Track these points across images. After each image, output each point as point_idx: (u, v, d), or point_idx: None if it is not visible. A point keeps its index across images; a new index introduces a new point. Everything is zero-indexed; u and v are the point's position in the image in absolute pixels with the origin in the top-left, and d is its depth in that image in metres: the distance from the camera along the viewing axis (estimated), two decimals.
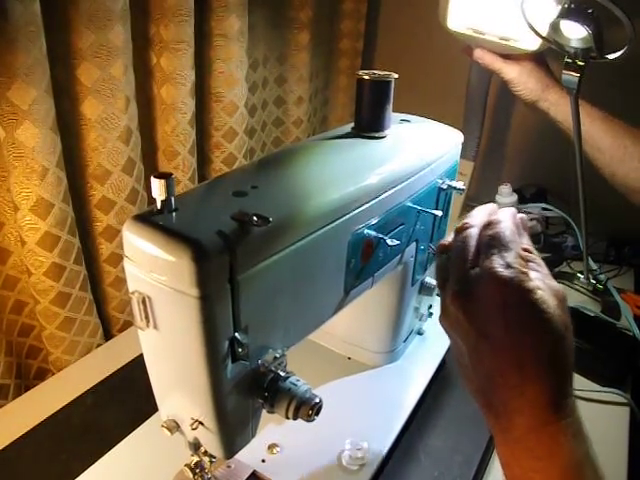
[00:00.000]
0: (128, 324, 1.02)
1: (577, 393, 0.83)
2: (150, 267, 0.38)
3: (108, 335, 1.00)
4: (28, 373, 0.93)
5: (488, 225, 0.47)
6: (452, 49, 1.14)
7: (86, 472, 0.62)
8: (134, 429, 0.71)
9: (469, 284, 0.43)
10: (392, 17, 1.44)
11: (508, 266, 0.42)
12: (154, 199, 0.39)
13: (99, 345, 0.95)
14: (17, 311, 0.89)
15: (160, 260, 0.37)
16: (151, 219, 0.38)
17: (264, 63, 1.20)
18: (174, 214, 0.39)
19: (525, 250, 0.45)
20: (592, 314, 1.03)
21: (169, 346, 0.42)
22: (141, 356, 0.86)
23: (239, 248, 0.37)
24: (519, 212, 1.32)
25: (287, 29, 1.18)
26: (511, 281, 0.41)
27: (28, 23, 0.69)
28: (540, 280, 0.42)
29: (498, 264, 0.42)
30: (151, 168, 1.04)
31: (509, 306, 0.41)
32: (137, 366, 0.86)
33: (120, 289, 0.99)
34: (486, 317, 0.42)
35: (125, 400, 0.78)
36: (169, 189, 0.38)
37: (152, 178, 0.37)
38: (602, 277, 1.16)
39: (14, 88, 0.71)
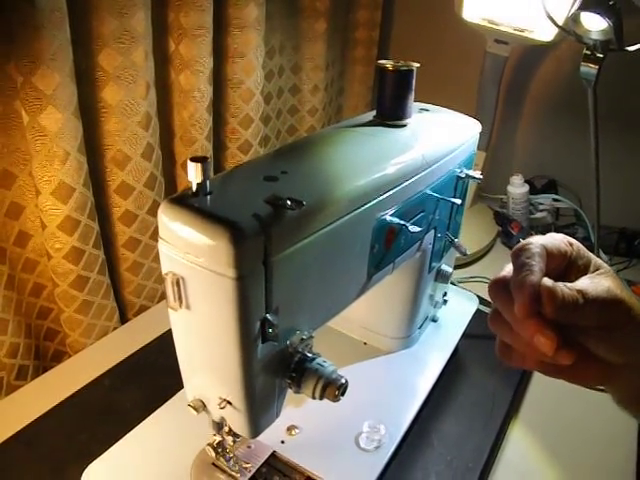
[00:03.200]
0: (144, 308, 1.04)
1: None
2: (186, 248, 0.39)
3: (124, 319, 1.02)
4: (46, 355, 0.95)
5: None
6: (467, 39, 1.14)
7: (107, 452, 0.63)
8: (152, 411, 0.72)
9: None
10: (407, 7, 1.44)
11: None
12: (190, 182, 0.40)
13: (115, 329, 0.97)
14: (36, 294, 0.90)
15: (197, 242, 0.38)
16: (187, 202, 0.39)
17: (280, 51, 1.20)
18: (208, 197, 0.40)
19: None
20: None
21: (202, 326, 0.43)
22: (157, 339, 0.89)
23: (274, 230, 0.38)
24: (530, 204, 1.33)
25: (303, 18, 1.18)
26: None
27: (54, 9, 0.70)
28: None
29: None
30: (169, 154, 1.05)
31: None
32: (153, 349, 0.88)
33: (137, 274, 1.00)
34: None
35: (142, 382, 0.80)
36: (205, 173, 0.39)
37: (189, 161, 0.38)
38: (613, 269, 1.16)
39: (39, 74, 0.72)
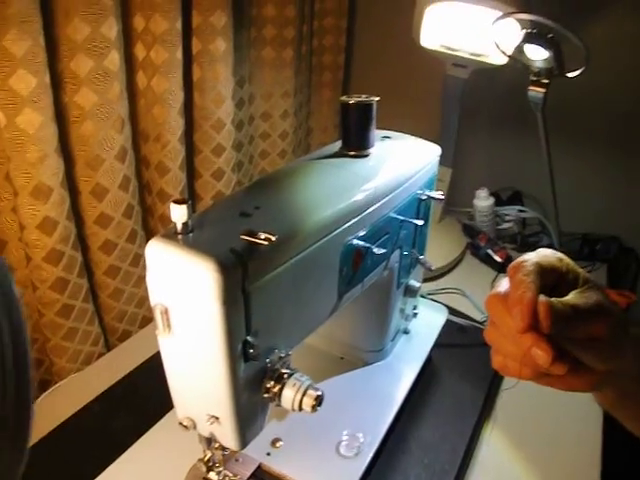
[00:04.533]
0: (126, 332, 1.07)
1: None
2: (174, 281, 0.43)
3: (108, 344, 1.05)
4: None
5: None
6: (428, 62, 1.20)
7: (103, 473, 0.67)
8: (143, 433, 0.76)
9: None
10: (369, 33, 1.50)
11: None
12: (174, 221, 0.44)
13: (101, 353, 1.00)
14: None
15: (184, 275, 0.42)
16: (174, 239, 0.43)
17: (250, 80, 1.25)
18: (191, 235, 0.44)
19: None
20: None
21: (189, 350, 0.47)
22: (143, 364, 0.92)
23: (250, 263, 0.43)
24: (497, 215, 1.39)
25: (272, 47, 1.24)
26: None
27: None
28: None
29: None
30: (145, 184, 1.09)
31: None
32: (140, 374, 0.91)
33: (119, 300, 1.04)
34: None
35: (132, 406, 0.83)
36: (188, 213, 0.43)
37: (172, 204, 0.43)
38: None
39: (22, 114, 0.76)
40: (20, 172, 0.80)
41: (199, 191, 1.18)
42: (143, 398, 0.84)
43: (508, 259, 1.29)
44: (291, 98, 1.31)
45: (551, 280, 0.46)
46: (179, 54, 0.99)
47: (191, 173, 1.16)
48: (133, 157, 1.00)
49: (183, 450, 0.62)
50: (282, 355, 0.51)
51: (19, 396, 0.32)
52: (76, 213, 0.93)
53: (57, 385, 0.91)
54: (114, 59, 0.87)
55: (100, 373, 0.93)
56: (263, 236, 0.43)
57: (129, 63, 0.96)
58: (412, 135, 0.79)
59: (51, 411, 0.83)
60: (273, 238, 0.43)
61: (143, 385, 0.87)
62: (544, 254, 0.48)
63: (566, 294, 0.46)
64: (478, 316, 1.09)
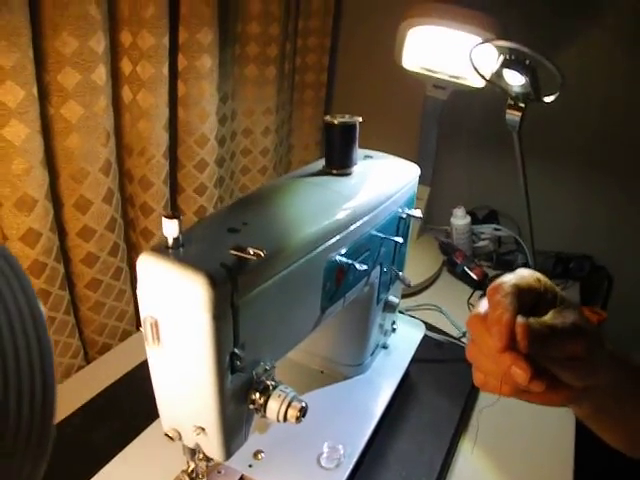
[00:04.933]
0: (106, 346, 1.07)
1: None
2: (165, 294, 0.45)
3: (87, 357, 1.05)
4: None
5: None
6: (408, 83, 1.23)
7: None
8: (124, 446, 0.76)
9: None
10: (351, 53, 1.54)
11: None
12: (165, 236, 0.45)
13: (80, 366, 1.00)
14: None
15: (175, 288, 0.44)
16: (164, 254, 0.45)
17: (233, 96, 1.27)
18: (181, 249, 0.46)
19: None
20: None
21: (178, 361, 0.48)
22: (124, 377, 0.92)
23: (239, 277, 0.45)
24: (473, 233, 1.41)
25: (255, 65, 1.26)
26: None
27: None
28: None
29: None
30: (128, 198, 1.09)
31: None
32: (120, 387, 0.92)
33: (99, 313, 1.04)
34: None
35: (113, 419, 0.83)
36: (179, 228, 0.45)
37: (164, 219, 0.44)
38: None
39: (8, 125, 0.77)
40: (5, 183, 0.80)
41: (182, 206, 1.19)
42: (123, 411, 0.84)
43: (484, 276, 1.31)
44: (273, 115, 1.33)
45: (529, 300, 0.48)
46: (165, 70, 1.00)
47: (174, 187, 1.17)
48: (117, 171, 1.01)
49: (165, 463, 0.63)
50: (267, 367, 0.52)
51: (45, 396, 0.33)
52: (59, 225, 0.93)
53: None
54: (101, 73, 0.88)
55: (80, 386, 0.93)
56: (252, 251, 0.45)
57: (115, 77, 0.98)
58: (392, 153, 0.82)
59: None
60: (262, 253, 0.45)
61: (123, 398, 0.88)
62: (522, 275, 0.49)
63: (545, 313, 0.47)
64: (454, 332, 1.11)
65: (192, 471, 0.59)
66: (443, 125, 1.34)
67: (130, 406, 0.83)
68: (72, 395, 0.89)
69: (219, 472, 0.65)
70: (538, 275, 0.50)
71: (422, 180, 1.37)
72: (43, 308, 0.35)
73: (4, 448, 0.32)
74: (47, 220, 0.86)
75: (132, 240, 1.14)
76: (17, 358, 0.32)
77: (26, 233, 0.84)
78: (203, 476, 0.60)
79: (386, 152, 0.82)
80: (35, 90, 0.80)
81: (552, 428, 0.89)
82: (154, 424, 0.75)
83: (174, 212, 0.45)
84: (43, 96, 0.84)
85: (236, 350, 0.47)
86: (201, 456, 0.56)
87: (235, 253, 0.45)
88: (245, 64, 1.25)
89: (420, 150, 1.37)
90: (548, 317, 0.47)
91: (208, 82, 1.09)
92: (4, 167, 0.79)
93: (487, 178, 1.51)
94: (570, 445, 0.87)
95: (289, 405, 0.51)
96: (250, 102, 1.30)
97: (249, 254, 0.45)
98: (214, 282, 0.42)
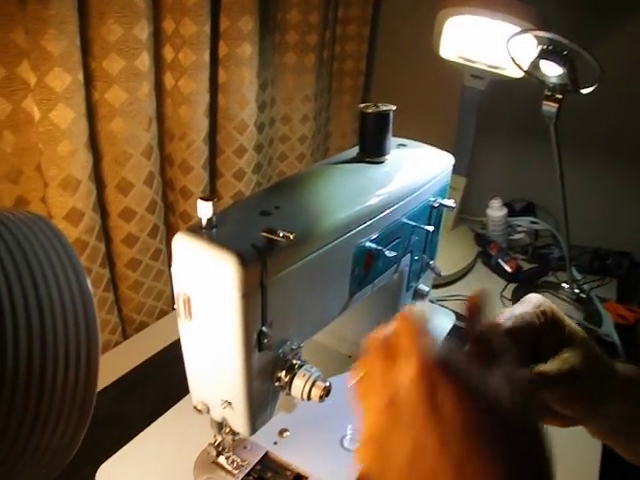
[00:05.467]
0: (143, 324, 1.11)
1: None
2: (197, 272, 0.47)
3: (125, 334, 1.09)
4: None
5: None
6: (446, 72, 1.23)
7: (119, 452, 0.71)
8: (155, 419, 0.79)
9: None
10: (390, 42, 1.54)
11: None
12: (199, 217, 0.47)
13: (118, 342, 1.04)
14: None
15: (207, 267, 0.46)
16: (199, 233, 0.47)
17: (272, 84, 1.29)
18: (215, 230, 0.48)
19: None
20: (574, 321, 1.11)
21: (208, 337, 0.50)
22: (158, 354, 0.96)
23: (268, 258, 0.46)
24: (509, 226, 1.39)
25: (294, 52, 1.27)
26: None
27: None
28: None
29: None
30: (168, 181, 1.13)
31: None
32: (155, 363, 0.95)
33: (138, 292, 1.07)
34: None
35: (145, 393, 0.87)
36: (213, 210, 0.47)
37: (199, 200, 0.46)
38: (586, 287, 1.24)
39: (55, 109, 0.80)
40: (51, 164, 0.83)
41: (220, 190, 1.22)
42: (156, 386, 0.87)
43: (518, 269, 1.31)
44: (311, 102, 1.35)
45: (527, 340, 0.45)
46: (206, 57, 1.03)
47: (213, 172, 1.19)
48: (158, 154, 1.04)
49: (195, 435, 0.65)
50: (294, 347, 0.54)
51: (89, 357, 0.36)
52: (102, 206, 0.96)
53: None
54: (144, 60, 0.91)
55: (116, 360, 0.97)
56: (282, 234, 0.47)
57: (158, 64, 1.00)
58: (429, 143, 0.82)
59: None
60: (291, 236, 0.47)
61: (157, 374, 0.91)
62: (525, 308, 0.46)
63: (552, 347, 0.46)
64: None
65: (219, 444, 0.61)
66: (481, 116, 1.33)
67: (163, 382, 0.86)
68: (109, 369, 0.92)
69: (245, 447, 0.67)
70: (547, 307, 0.47)
71: (459, 171, 1.37)
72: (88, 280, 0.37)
73: (52, 406, 0.35)
74: (90, 200, 0.90)
75: (171, 222, 1.17)
76: (65, 321, 0.35)
77: (70, 212, 0.87)
78: (229, 450, 0.62)
79: (423, 142, 0.82)
80: (81, 76, 0.83)
81: (580, 436, 0.88)
82: (184, 400, 0.78)
83: (209, 195, 0.47)
84: (88, 81, 0.87)
85: (264, 328, 0.49)
86: (228, 430, 0.59)
87: (266, 235, 0.47)
88: (285, 52, 1.27)
89: (457, 140, 1.36)
90: (549, 363, 0.45)
91: (248, 69, 1.11)
92: (50, 149, 0.83)
93: (525, 170, 1.49)
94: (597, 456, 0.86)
95: (313, 384, 0.53)
96: (289, 89, 1.32)
97: (279, 236, 0.47)
98: (244, 262, 0.44)
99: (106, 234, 1.00)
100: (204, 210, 0.46)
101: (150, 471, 0.67)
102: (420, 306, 0.48)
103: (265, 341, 0.49)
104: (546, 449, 0.36)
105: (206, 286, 0.47)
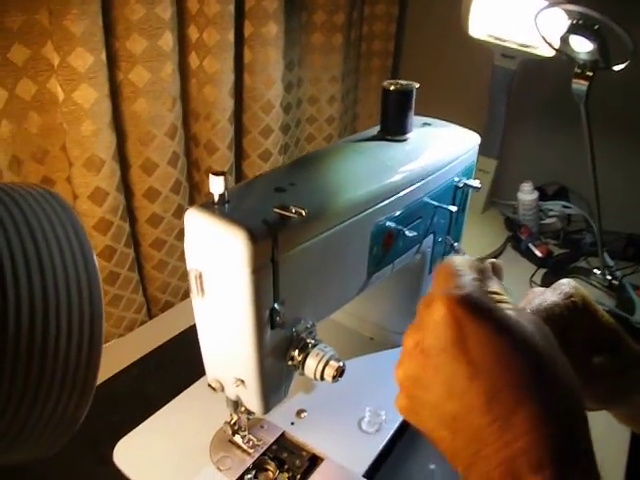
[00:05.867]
0: (168, 303, 1.11)
1: None
2: (208, 247, 0.47)
3: (150, 313, 1.10)
4: None
5: None
6: (476, 52, 1.20)
7: (135, 429, 0.71)
8: (175, 397, 0.80)
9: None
10: (419, 21, 1.51)
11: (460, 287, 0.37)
12: (211, 193, 0.47)
13: (143, 321, 1.05)
14: None
15: (218, 242, 0.45)
16: (210, 209, 0.46)
17: (300, 64, 1.27)
18: (227, 205, 0.47)
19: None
20: (606, 308, 1.08)
21: (220, 314, 0.50)
22: (181, 334, 0.96)
23: (280, 234, 0.46)
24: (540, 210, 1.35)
25: (321, 32, 1.25)
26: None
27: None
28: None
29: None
30: (193, 162, 1.13)
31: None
32: (177, 343, 0.96)
33: (163, 271, 1.08)
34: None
35: (167, 372, 0.87)
36: (225, 185, 0.46)
37: (211, 175, 0.46)
38: (618, 273, 1.21)
39: (79, 89, 0.80)
40: (75, 144, 0.84)
41: (246, 171, 1.21)
42: (178, 365, 0.88)
43: (549, 254, 1.28)
44: (339, 83, 1.33)
45: (555, 329, 0.41)
46: (231, 36, 1.02)
47: (239, 153, 1.19)
48: (183, 135, 1.03)
49: (212, 413, 0.65)
50: (308, 326, 0.53)
51: (92, 329, 0.36)
52: (126, 186, 0.97)
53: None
54: (168, 39, 0.91)
55: (141, 339, 0.98)
56: (294, 210, 0.46)
57: (182, 44, 1.00)
58: (459, 124, 0.80)
59: None
60: (303, 212, 0.46)
61: (179, 353, 0.91)
62: (553, 303, 0.45)
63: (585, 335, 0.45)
64: None
65: (234, 423, 0.61)
66: (513, 97, 1.30)
67: (184, 360, 0.86)
68: (133, 347, 0.93)
69: (262, 427, 0.67)
70: (578, 297, 0.45)
71: (490, 153, 1.34)
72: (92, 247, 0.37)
73: (54, 378, 0.35)
74: (114, 180, 0.90)
75: (196, 203, 1.17)
76: (68, 290, 0.35)
77: (94, 192, 0.88)
78: (245, 429, 0.62)
79: (453, 123, 0.80)
80: (104, 56, 0.83)
81: (609, 424, 0.85)
82: (203, 378, 0.78)
83: (221, 170, 0.46)
84: (113, 62, 0.88)
85: (276, 306, 0.48)
86: (243, 409, 0.58)
87: (278, 211, 0.46)
88: (312, 31, 1.25)
89: (488, 122, 1.33)
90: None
91: (274, 49, 1.10)
92: (74, 129, 0.83)
93: (558, 153, 1.45)
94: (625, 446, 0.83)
95: (326, 364, 0.52)
96: (316, 70, 1.30)
97: (291, 212, 0.46)
98: (254, 237, 0.44)
99: (131, 214, 1.00)
100: (216, 185, 0.46)
101: (166, 448, 0.68)
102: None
103: (277, 319, 0.49)
104: (575, 382, 0.35)
105: (217, 262, 0.47)
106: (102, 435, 0.75)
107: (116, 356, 0.92)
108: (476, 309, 0.35)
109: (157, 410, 0.76)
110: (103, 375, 0.86)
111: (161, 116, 0.95)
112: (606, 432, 0.80)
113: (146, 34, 0.88)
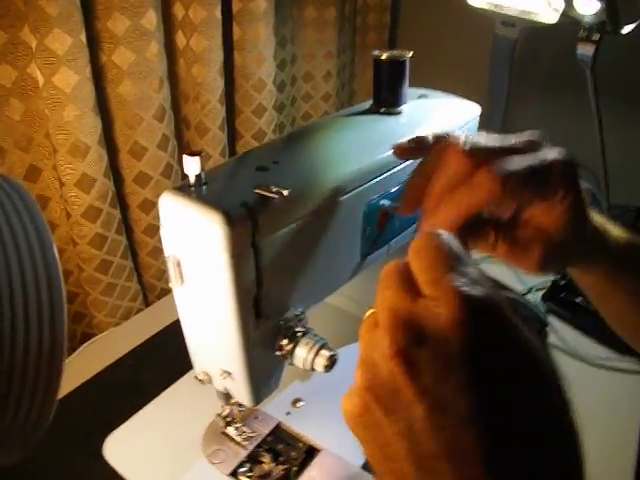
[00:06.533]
0: (164, 291, 1.09)
1: (596, 361, 0.87)
2: (185, 233, 0.43)
3: (147, 301, 1.07)
4: (74, 337, 1.01)
5: None
6: (475, 21, 1.15)
7: (126, 423, 0.69)
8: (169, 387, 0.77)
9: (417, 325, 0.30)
10: None
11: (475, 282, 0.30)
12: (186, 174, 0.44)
13: (139, 309, 1.03)
14: (64, 280, 0.96)
15: (194, 227, 0.42)
16: (186, 192, 0.43)
17: (292, 40, 1.23)
18: (204, 187, 0.44)
19: None
20: None
21: (201, 303, 0.47)
22: (175, 322, 0.94)
23: (260, 217, 0.42)
24: None
25: (314, 7, 1.21)
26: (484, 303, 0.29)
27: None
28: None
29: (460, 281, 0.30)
30: (184, 144, 1.09)
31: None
32: (172, 332, 0.93)
33: (157, 258, 1.05)
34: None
35: (162, 362, 0.85)
36: (201, 165, 0.43)
37: (184, 156, 0.42)
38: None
39: (58, 72, 0.77)
40: (58, 130, 0.81)
41: (240, 152, 1.18)
42: (172, 354, 0.85)
43: None
44: (334, 59, 1.29)
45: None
46: (218, 13, 0.98)
47: (232, 134, 1.16)
48: (172, 117, 1.00)
49: (204, 404, 0.63)
50: (297, 313, 0.50)
51: (53, 320, 0.33)
52: (116, 171, 0.94)
53: (94, 339, 0.93)
54: (151, 18, 0.87)
55: (136, 328, 0.95)
56: (275, 190, 0.42)
57: (168, 22, 0.96)
58: (460, 97, 0.76)
59: (88, 363, 0.85)
60: (285, 192, 0.42)
61: (174, 342, 0.89)
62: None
63: None
64: (519, 286, 1.06)
65: (227, 415, 0.59)
66: (515, 67, 1.25)
67: (179, 350, 0.84)
68: (128, 337, 0.91)
69: (256, 418, 0.64)
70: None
71: (492, 125, 1.29)
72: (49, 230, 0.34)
73: (12, 376, 0.32)
74: (101, 166, 0.87)
75: None
76: (23, 279, 0.32)
77: (81, 179, 0.85)
78: (239, 421, 0.60)
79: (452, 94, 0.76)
80: (83, 37, 0.79)
81: (620, 398, 0.82)
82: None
83: (197, 149, 0.43)
84: (95, 43, 0.84)
85: (260, 294, 0.45)
86: (233, 401, 0.56)
87: (258, 192, 0.43)
88: (304, 6, 1.21)
89: (490, 93, 1.29)
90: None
91: (264, 25, 1.06)
92: (56, 114, 0.80)
93: (564, 124, 1.40)
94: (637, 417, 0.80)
95: (317, 353, 0.49)
96: (310, 46, 1.26)
97: (272, 193, 0.43)
98: (231, 221, 0.40)
99: (122, 200, 0.97)
100: (191, 166, 0.43)
101: (158, 442, 0.66)
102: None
103: (262, 307, 0.45)
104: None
105: (195, 248, 0.43)
106: (95, 428, 0.73)
107: (111, 346, 0.90)
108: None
109: (149, 400, 0.74)
110: (98, 366, 0.84)
111: (148, 98, 0.92)
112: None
113: (128, 13, 0.84)
